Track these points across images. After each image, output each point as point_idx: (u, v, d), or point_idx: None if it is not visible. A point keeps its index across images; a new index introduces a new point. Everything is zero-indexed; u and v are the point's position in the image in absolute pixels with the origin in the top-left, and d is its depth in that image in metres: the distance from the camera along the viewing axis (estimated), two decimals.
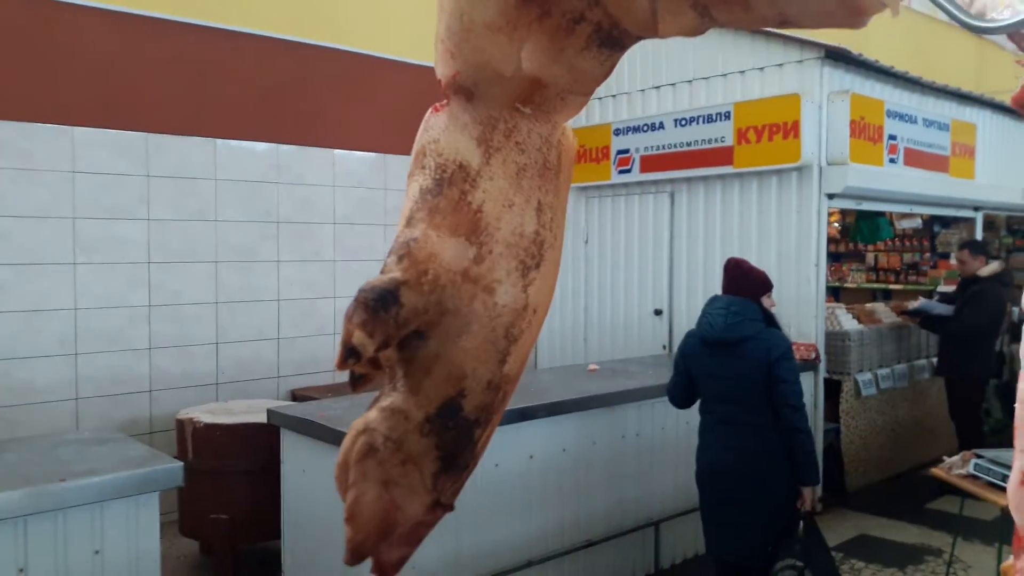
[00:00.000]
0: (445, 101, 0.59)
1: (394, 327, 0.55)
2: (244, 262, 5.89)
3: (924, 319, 6.38)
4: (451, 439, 0.58)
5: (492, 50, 0.53)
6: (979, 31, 0.93)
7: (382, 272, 0.57)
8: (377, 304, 0.54)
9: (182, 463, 3.22)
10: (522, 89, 0.55)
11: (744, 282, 3.78)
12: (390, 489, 0.59)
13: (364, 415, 0.60)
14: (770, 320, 3.77)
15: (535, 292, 0.57)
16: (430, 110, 0.60)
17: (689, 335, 3.91)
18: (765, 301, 3.79)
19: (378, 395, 0.59)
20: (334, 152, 6.36)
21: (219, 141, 5.74)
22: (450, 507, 0.60)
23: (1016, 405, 1.03)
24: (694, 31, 0.51)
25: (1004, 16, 1.07)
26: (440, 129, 0.58)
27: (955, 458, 4.43)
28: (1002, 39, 13.40)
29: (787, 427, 3.55)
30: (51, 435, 3.85)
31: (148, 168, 5.44)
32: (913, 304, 6.85)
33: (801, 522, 3.62)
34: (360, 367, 0.56)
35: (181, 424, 4.78)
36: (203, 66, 5.64)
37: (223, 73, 5.74)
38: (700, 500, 3.88)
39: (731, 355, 3.64)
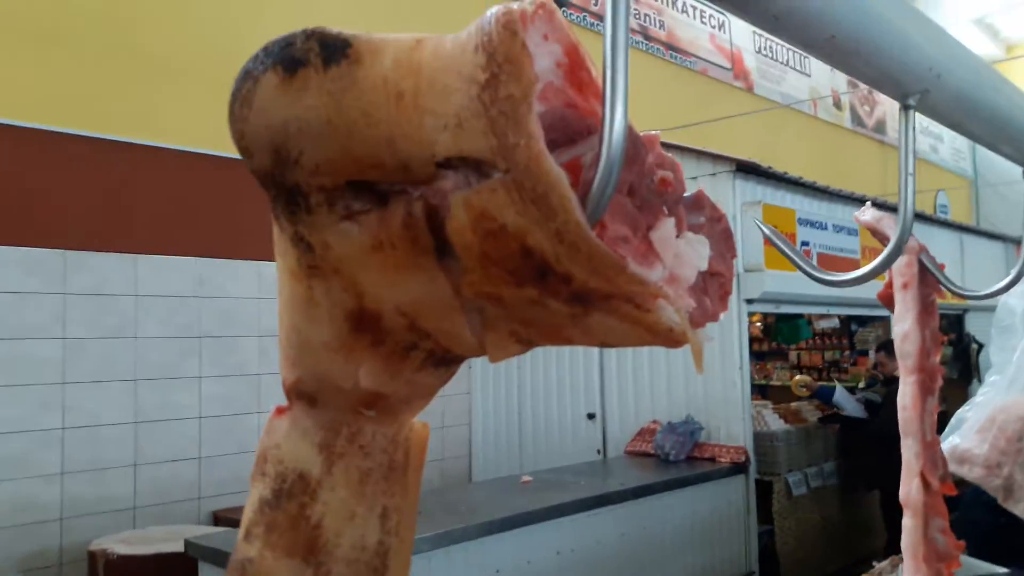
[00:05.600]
0: (288, 404, 0.59)
1: None
2: (164, 379, 5.71)
3: (843, 423, 6.52)
4: None
5: (329, 366, 0.54)
6: (829, 284, 1.00)
7: None
8: None
9: None
10: (363, 398, 0.56)
11: None
12: None
13: None
14: None
15: None
16: (273, 411, 0.61)
17: None
18: None
19: None
20: (259, 264, 6.30)
21: (140, 256, 5.65)
22: None
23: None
24: (522, 353, 0.53)
25: (865, 217, 1.14)
26: (282, 434, 0.58)
27: (884, 563, 4.46)
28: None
29: None
30: None
31: (65, 285, 5.30)
32: (834, 397, 6.98)
33: None
34: None
35: (93, 556, 4.52)
36: (121, 181, 5.59)
37: (142, 188, 5.69)
38: None
39: None
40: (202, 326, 5.93)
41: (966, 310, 8.66)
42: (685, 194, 0.56)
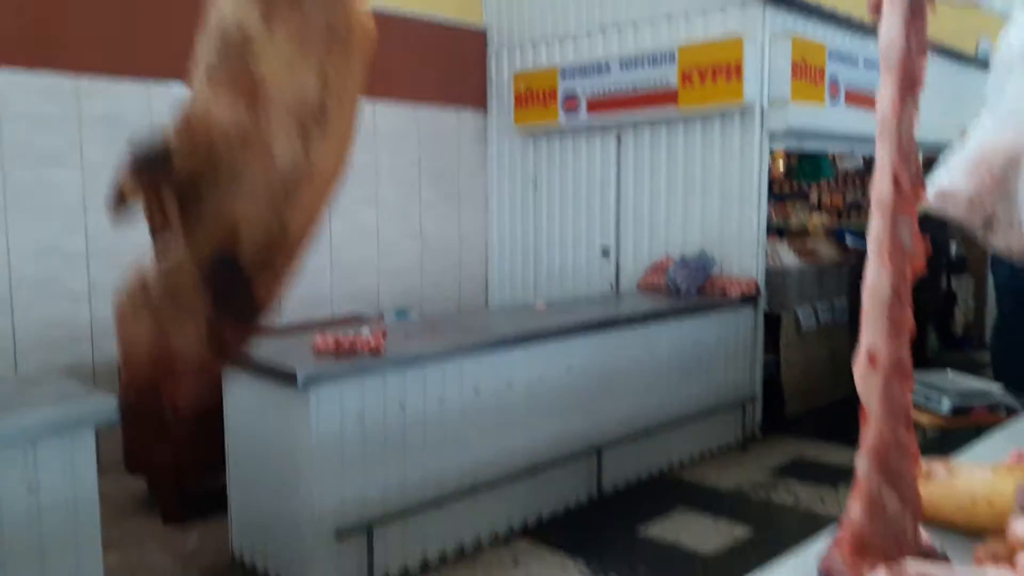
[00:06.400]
0: None
1: (162, 175, 0.58)
2: None
3: (860, 260, 6.56)
4: (224, 288, 0.61)
5: None
6: None
7: (163, 132, 0.59)
8: (146, 156, 0.57)
9: (117, 397, 3.21)
10: None
11: None
12: (166, 335, 0.62)
13: (141, 265, 0.63)
14: None
15: (318, 156, 0.60)
16: None
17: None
18: None
19: (159, 246, 0.62)
20: None
21: (153, 83, 5.60)
22: (231, 356, 0.63)
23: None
24: None
25: None
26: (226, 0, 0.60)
27: None
28: None
29: None
30: None
31: (80, 111, 5.30)
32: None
33: None
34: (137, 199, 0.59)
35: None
36: (134, 5, 5.47)
37: (156, 13, 5.56)
38: None
39: None
40: None
41: None
42: None
